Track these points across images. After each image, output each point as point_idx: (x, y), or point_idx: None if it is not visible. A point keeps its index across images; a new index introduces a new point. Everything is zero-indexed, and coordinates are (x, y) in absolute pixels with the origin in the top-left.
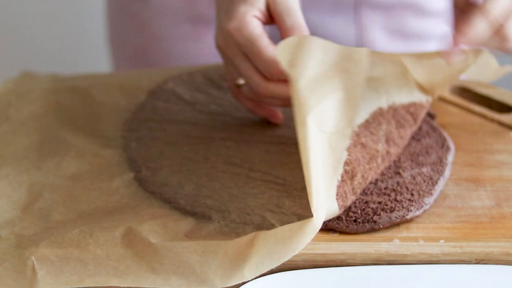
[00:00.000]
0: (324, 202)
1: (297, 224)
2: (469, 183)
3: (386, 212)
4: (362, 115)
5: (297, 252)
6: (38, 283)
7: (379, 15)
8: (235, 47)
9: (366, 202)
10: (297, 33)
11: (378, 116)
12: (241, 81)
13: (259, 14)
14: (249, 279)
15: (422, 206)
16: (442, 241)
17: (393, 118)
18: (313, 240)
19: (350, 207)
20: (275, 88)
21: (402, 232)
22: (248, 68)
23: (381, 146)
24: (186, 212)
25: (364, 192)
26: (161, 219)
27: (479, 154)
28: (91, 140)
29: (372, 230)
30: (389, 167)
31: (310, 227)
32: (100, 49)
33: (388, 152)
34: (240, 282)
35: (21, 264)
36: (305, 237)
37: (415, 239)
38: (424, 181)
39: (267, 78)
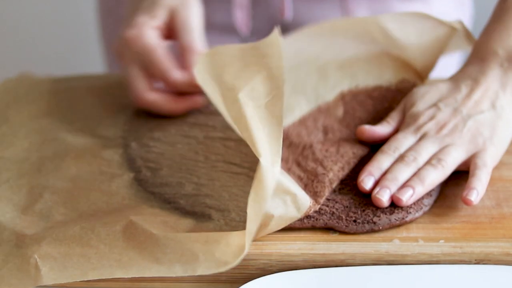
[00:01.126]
0: (273, 153)
1: (254, 181)
2: None
3: (385, 214)
4: (296, 114)
5: (267, 201)
6: (42, 279)
7: (365, 1)
8: (129, 55)
9: (366, 203)
10: (191, 52)
11: (316, 111)
12: None
13: (158, 26)
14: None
15: (421, 208)
16: (442, 241)
17: (346, 104)
18: (313, 240)
19: (350, 208)
20: (153, 99)
21: (402, 232)
22: (136, 75)
23: (314, 137)
24: (186, 212)
25: (364, 194)
26: (162, 218)
27: None
28: (90, 140)
29: (372, 231)
30: None
31: (265, 172)
32: (97, 50)
33: (326, 139)
34: (242, 258)
35: (24, 263)
36: (266, 183)
37: (415, 239)
38: None
39: (150, 89)
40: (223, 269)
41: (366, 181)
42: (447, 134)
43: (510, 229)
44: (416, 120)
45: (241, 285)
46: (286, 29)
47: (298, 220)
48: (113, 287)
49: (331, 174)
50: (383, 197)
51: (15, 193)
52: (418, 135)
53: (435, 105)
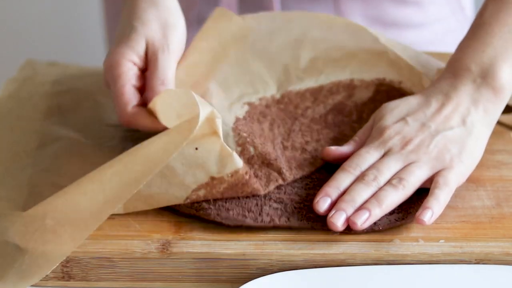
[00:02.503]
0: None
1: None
2: (469, 183)
3: (386, 214)
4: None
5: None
6: (66, 249)
7: (358, 3)
8: (107, 82)
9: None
10: (160, 88)
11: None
12: None
13: (136, 59)
14: None
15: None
16: (442, 241)
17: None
18: (313, 240)
19: None
20: (136, 123)
21: (402, 232)
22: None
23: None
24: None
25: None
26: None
27: None
28: (92, 141)
29: (372, 231)
30: None
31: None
32: (99, 50)
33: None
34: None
35: (45, 232)
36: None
37: (415, 239)
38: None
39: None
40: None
41: (321, 203)
42: (412, 150)
43: (510, 229)
44: (381, 134)
45: (242, 285)
46: None
47: (298, 220)
48: (113, 286)
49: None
50: (338, 222)
51: (17, 195)
52: (382, 151)
53: (403, 119)
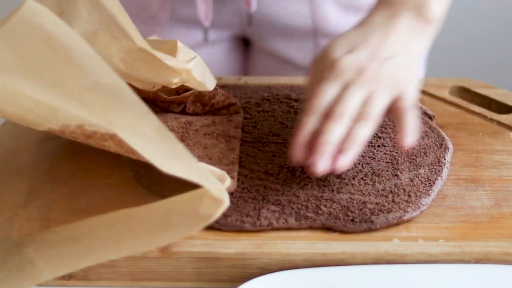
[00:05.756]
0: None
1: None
2: (469, 183)
3: (383, 213)
4: None
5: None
6: (41, 275)
7: None
8: None
9: (364, 202)
10: None
11: None
12: None
13: None
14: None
15: (419, 207)
16: (442, 240)
17: None
18: (312, 239)
19: (348, 207)
20: None
21: (401, 231)
22: None
23: None
24: None
25: (362, 193)
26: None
27: (478, 154)
28: None
29: (369, 230)
30: (387, 169)
31: None
32: None
33: None
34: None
35: (22, 260)
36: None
37: (415, 238)
38: (422, 182)
39: None
40: (205, 223)
41: (295, 155)
42: (369, 80)
43: (509, 229)
44: (333, 67)
45: (241, 284)
46: (251, 21)
47: (296, 221)
48: (113, 286)
49: None
50: (317, 168)
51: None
52: (340, 84)
53: (350, 51)
